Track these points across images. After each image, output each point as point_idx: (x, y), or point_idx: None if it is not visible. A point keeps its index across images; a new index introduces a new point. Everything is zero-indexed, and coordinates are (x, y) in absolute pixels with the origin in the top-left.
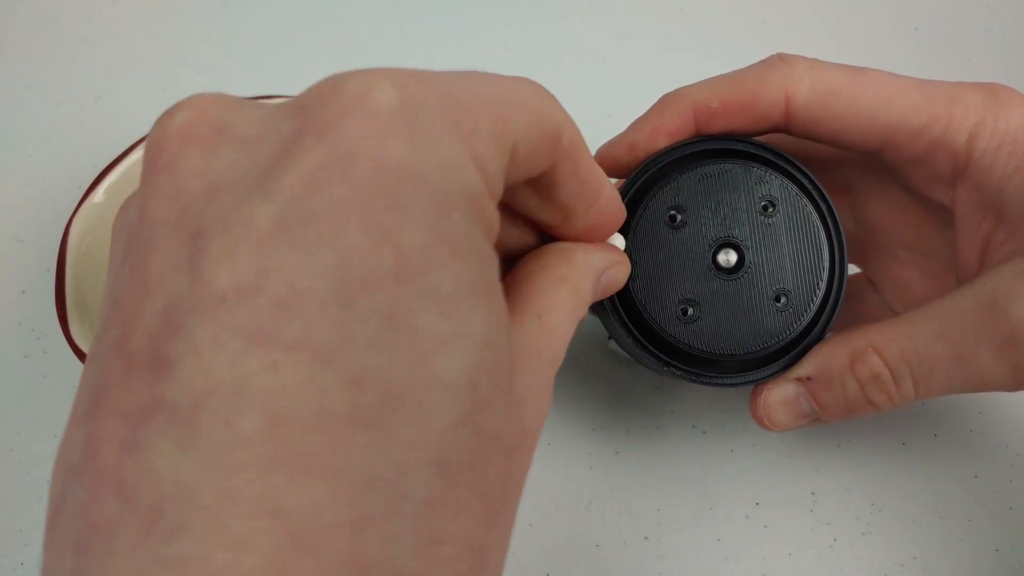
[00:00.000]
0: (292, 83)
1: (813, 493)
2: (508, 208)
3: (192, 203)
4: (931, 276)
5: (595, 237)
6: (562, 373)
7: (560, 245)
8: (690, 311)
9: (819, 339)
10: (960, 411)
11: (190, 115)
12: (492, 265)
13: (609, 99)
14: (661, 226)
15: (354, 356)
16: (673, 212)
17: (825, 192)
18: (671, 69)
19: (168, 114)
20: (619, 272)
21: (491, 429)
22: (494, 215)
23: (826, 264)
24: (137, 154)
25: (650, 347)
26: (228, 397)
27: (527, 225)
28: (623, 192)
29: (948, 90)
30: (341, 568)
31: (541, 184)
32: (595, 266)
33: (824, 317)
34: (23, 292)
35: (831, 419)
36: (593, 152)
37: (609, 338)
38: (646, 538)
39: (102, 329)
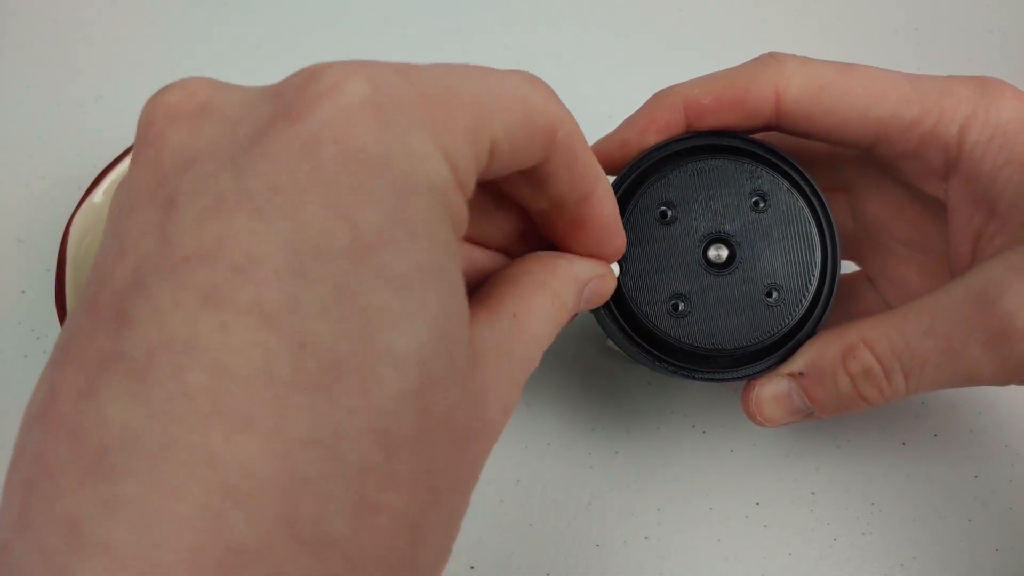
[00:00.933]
0: None
1: (813, 493)
2: (499, 191)
3: (170, 174)
4: (928, 273)
5: (582, 233)
6: (562, 373)
7: (544, 254)
8: (681, 306)
9: (811, 334)
10: (960, 411)
11: (180, 94)
12: (451, 254)
13: (609, 99)
14: (652, 221)
15: (301, 323)
16: (664, 208)
17: (817, 187)
18: (671, 69)
19: (160, 92)
20: (604, 284)
21: (439, 410)
22: (461, 208)
23: (818, 259)
24: None
25: (642, 343)
26: (179, 352)
27: (515, 211)
28: (614, 187)
29: (939, 83)
30: (270, 523)
31: (534, 175)
32: (578, 275)
33: (816, 312)
34: (23, 292)
35: (824, 414)
36: None
37: (607, 337)
38: (646, 538)
39: (85, 284)
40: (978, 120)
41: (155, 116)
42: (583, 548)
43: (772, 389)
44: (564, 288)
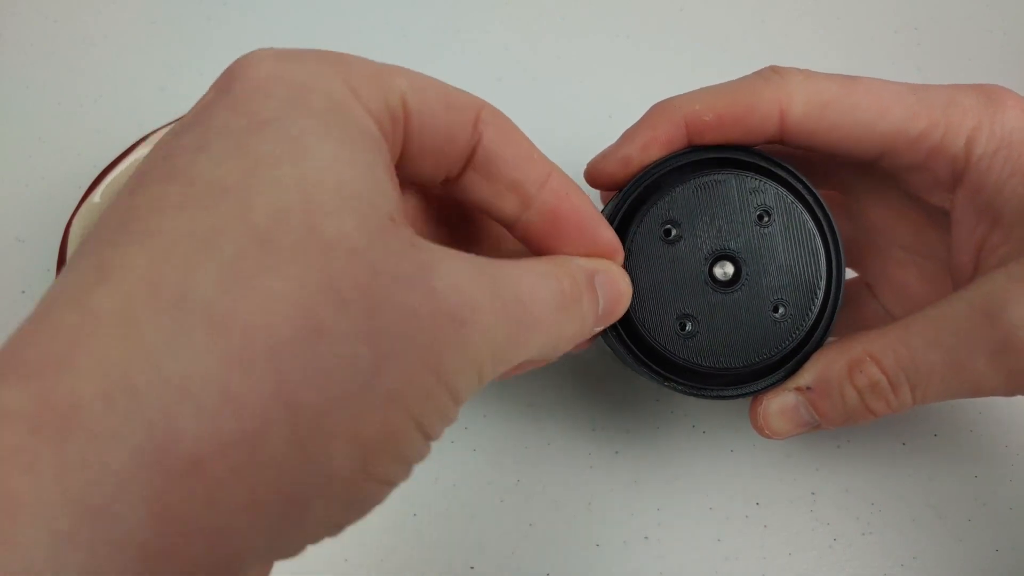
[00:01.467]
0: None
1: (813, 493)
2: (470, 220)
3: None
4: (928, 279)
5: (563, 229)
6: (562, 373)
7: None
8: (688, 326)
9: (818, 347)
10: (960, 411)
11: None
12: (335, 124)
13: (609, 99)
14: (656, 241)
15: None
16: (668, 227)
17: (820, 197)
18: (671, 69)
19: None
20: (611, 277)
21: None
22: (365, 119)
23: (823, 271)
24: (137, 154)
25: (649, 363)
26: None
27: (491, 238)
28: (616, 208)
29: (943, 94)
30: None
31: (480, 162)
32: (583, 265)
33: (822, 325)
34: (23, 292)
35: (831, 427)
36: (585, 165)
37: (615, 356)
38: (646, 538)
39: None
40: (984, 131)
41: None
42: (583, 548)
43: (779, 403)
44: (571, 273)
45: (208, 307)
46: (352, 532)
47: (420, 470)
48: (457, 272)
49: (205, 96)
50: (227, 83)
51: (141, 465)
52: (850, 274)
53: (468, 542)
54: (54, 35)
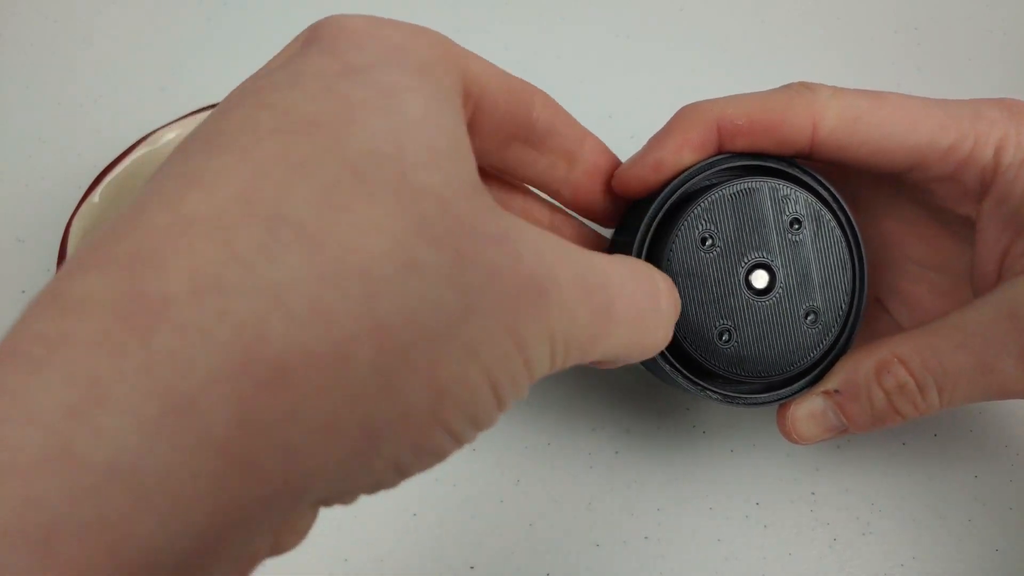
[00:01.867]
0: None
1: (813, 493)
2: (518, 190)
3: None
4: (940, 293)
5: (602, 177)
6: (562, 373)
7: None
8: (726, 335)
9: (843, 352)
10: (960, 411)
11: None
12: (446, 91)
13: (609, 99)
14: (694, 250)
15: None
16: (705, 235)
17: (845, 205)
18: (671, 69)
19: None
20: (675, 289)
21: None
22: (451, 88)
23: (849, 279)
24: (137, 154)
25: (688, 375)
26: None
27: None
28: (652, 216)
29: (969, 107)
30: None
31: (536, 138)
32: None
33: (847, 332)
34: (23, 292)
35: (859, 430)
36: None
37: (649, 371)
38: (646, 538)
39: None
40: (1011, 142)
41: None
42: (583, 548)
43: (808, 408)
44: (661, 276)
45: (303, 224)
46: (352, 532)
47: None
48: (542, 244)
49: (287, 48)
50: (315, 35)
51: (227, 365)
52: None
53: (468, 542)
54: (54, 35)
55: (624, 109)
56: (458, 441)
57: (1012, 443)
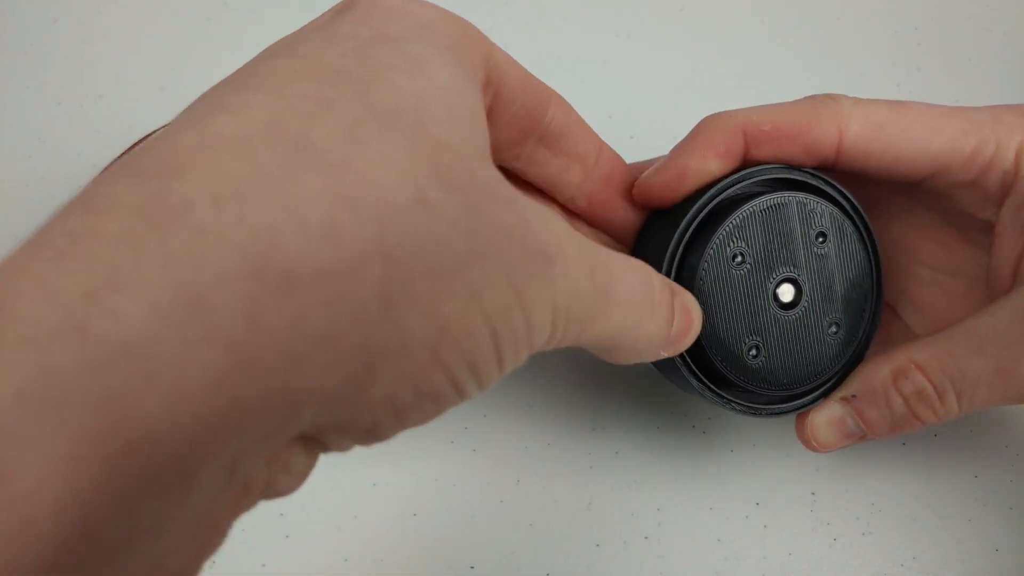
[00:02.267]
0: None
1: (813, 493)
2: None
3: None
4: (952, 298)
5: (615, 184)
6: (562, 373)
7: None
8: (755, 350)
9: (860, 359)
10: None
11: None
12: (458, 66)
13: (610, 99)
14: (726, 267)
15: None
16: (736, 252)
17: (866, 217)
18: (671, 69)
19: None
20: (690, 304)
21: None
22: (477, 69)
23: (869, 287)
24: None
25: (713, 387)
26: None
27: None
28: (683, 231)
29: (988, 113)
30: None
31: (551, 139)
32: (667, 281)
33: (863, 338)
34: None
35: (878, 436)
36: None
37: (678, 387)
38: (646, 538)
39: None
40: None
41: None
42: (583, 548)
43: (826, 415)
44: (659, 278)
45: (323, 152)
46: (352, 532)
47: (420, 470)
48: (551, 219)
49: (322, 16)
50: (351, 4)
51: (241, 266)
52: None
53: (468, 542)
54: (54, 35)
55: (624, 109)
56: (457, 390)
57: (1012, 443)
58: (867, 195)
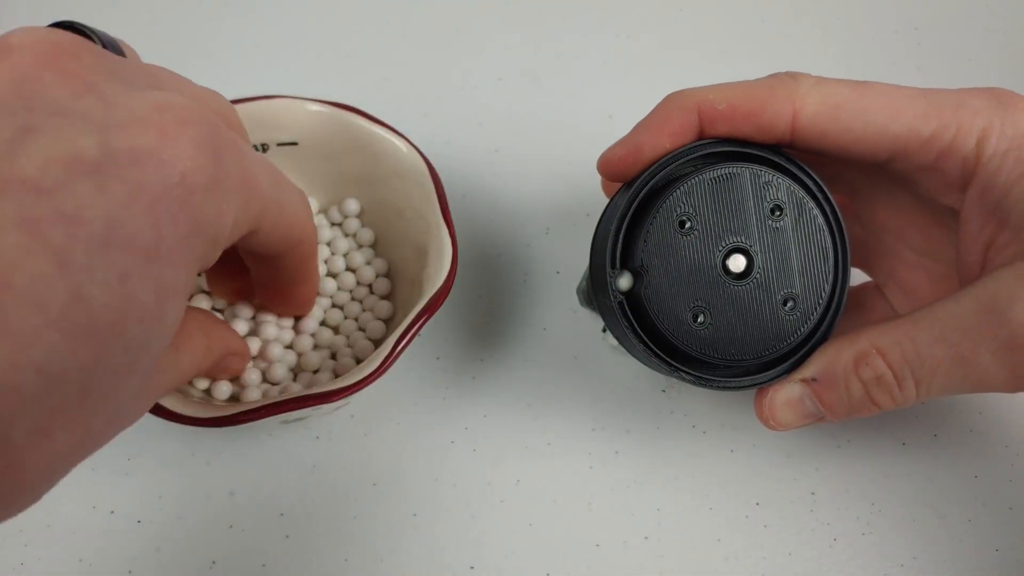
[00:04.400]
0: (292, 83)
1: (813, 493)
2: (238, 260)
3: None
4: (937, 280)
5: (285, 302)
6: (562, 373)
7: (208, 319)
8: (701, 317)
9: (823, 340)
10: (960, 411)
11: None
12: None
13: (609, 99)
14: (672, 232)
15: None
16: (683, 218)
17: (830, 194)
18: (671, 69)
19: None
20: (236, 361)
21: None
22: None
23: (831, 267)
24: None
25: (661, 354)
26: None
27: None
28: (631, 198)
29: (953, 97)
30: None
31: (270, 261)
32: (227, 341)
33: (828, 319)
34: None
35: (835, 419)
36: (585, 164)
37: (604, 329)
38: (646, 538)
39: None
40: (994, 132)
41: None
42: (583, 548)
43: (785, 395)
44: (216, 343)
45: None
46: (352, 532)
47: (421, 470)
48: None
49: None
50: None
51: None
52: (863, 277)
53: (468, 542)
54: None
55: (624, 109)
56: None
57: (1012, 443)
58: (851, 177)
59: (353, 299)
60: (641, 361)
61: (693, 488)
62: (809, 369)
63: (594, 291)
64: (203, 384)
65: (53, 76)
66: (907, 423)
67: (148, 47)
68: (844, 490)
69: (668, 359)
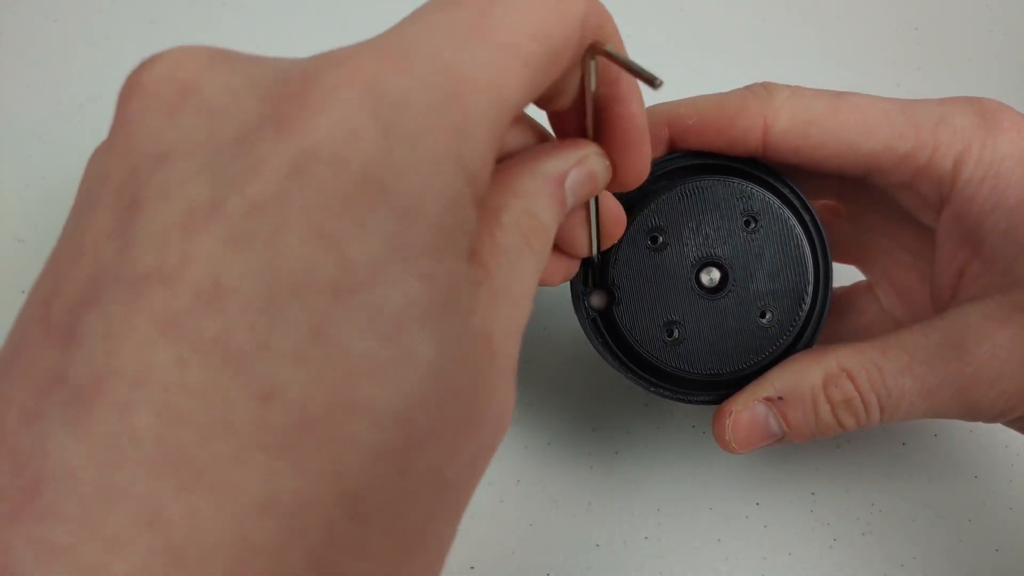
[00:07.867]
0: None
1: (813, 493)
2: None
3: (141, 167)
4: (929, 282)
5: (611, 135)
6: (562, 373)
7: (505, 175)
8: (675, 333)
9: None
10: None
11: (162, 70)
12: (458, 284)
13: None
14: (642, 248)
15: (269, 368)
16: (654, 234)
17: (808, 202)
18: (671, 69)
19: (143, 66)
20: (586, 168)
21: (425, 468)
22: (471, 220)
23: (811, 276)
24: None
25: (637, 370)
26: (128, 385)
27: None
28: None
29: (935, 112)
30: None
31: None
32: (547, 174)
33: (809, 331)
34: (23, 292)
35: (797, 439)
36: None
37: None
38: (646, 538)
39: (37, 281)
40: (972, 156)
41: (133, 95)
42: (583, 548)
43: (750, 415)
44: (534, 207)
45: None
46: None
47: None
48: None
49: (259, 152)
50: (302, 157)
51: None
52: (858, 276)
53: (468, 542)
54: (54, 35)
55: None
56: None
57: (1012, 443)
58: (838, 184)
59: None
60: (625, 377)
61: (693, 488)
62: (772, 387)
63: (574, 307)
64: None
65: None
66: (907, 423)
67: (148, 47)
68: (844, 490)
69: (645, 375)
